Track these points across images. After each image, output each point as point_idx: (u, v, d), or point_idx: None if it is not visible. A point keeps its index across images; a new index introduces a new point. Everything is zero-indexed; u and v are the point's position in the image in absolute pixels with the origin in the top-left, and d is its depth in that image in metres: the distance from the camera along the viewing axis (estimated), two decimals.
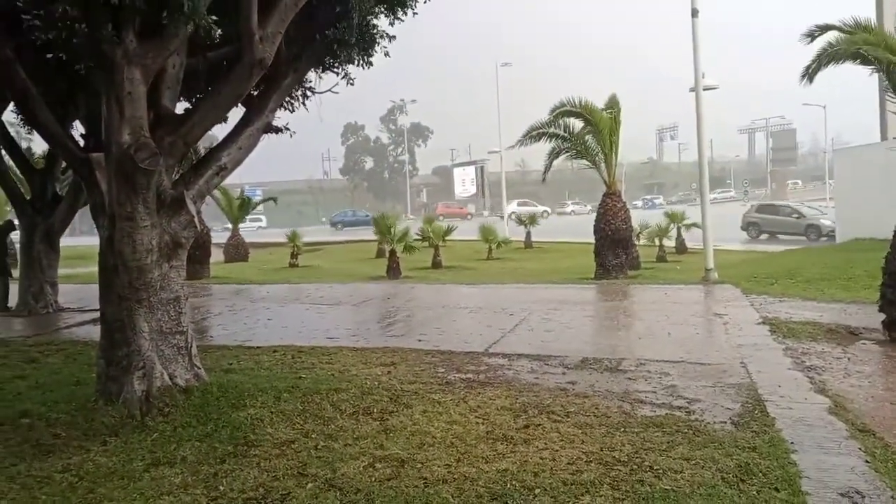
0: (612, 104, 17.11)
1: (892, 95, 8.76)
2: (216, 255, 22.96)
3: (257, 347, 8.50)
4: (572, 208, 72.83)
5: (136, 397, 5.64)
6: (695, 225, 23.39)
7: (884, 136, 23.61)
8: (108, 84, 5.62)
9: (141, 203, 5.71)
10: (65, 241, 13.75)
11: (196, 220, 6.20)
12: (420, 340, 8.77)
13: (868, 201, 19.22)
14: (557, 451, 4.73)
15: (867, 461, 4.51)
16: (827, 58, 8.98)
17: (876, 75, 9.03)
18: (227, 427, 5.28)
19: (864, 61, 8.84)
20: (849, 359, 7.51)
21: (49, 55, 5.23)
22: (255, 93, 7.11)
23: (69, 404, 5.91)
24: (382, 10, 7.30)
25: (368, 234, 29.52)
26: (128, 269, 5.76)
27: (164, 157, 5.83)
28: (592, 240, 17.09)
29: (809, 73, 9.19)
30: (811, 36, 9.13)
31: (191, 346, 6.22)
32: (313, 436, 5.13)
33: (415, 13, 7.59)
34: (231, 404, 5.75)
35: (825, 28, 9.13)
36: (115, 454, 4.86)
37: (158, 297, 5.94)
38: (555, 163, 18.50)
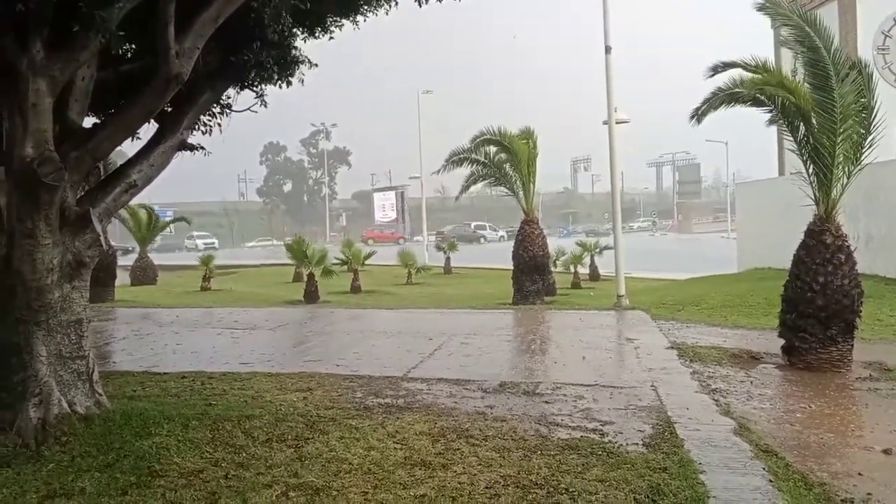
0: (528, 135, 17.50)
1: (788, 133, 9.30)
2: (122, 278, 21.97)
3: (164, 373, 8.13)
4: None
5: (32, 425, 5.28)
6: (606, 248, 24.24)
7: (781, 172, 24.95)
8: (11, 94, 5.32)
9: (43, 220, 5.41)
10: None
11: (102, 238, 5.91)
12: (338, 365, 8.62)
13: (767, 233, 20.28)
14: (476, 475, 4.72)
15: (770, 480, 4.71)
16: (718, 101, 9.38)
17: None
18: (130, 457, 5.00)
19: (757, 103, 9.31)
20: (751, 382, 7.87)
21: None
22: (170, 109, 6.89)
23: None
24: (299, 31, 7.25)
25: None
26: (26, 290, 5.42)
27: (69, 173, 5.55)
28: (510, 266, 17.35)
29: (698, 115, 9.60)
30: (714, 71, 9.54)
31: (92, 372, 5.89)
32: (223, 465, 4.93)
33: (331, 37, 7.60)
34: (135, 433, 5.46)
35: (729, 65, 9.57)
36: (6, 486, 4.52)
37: (58, 320, 5.61)
38: (476, 189, 18.75)
